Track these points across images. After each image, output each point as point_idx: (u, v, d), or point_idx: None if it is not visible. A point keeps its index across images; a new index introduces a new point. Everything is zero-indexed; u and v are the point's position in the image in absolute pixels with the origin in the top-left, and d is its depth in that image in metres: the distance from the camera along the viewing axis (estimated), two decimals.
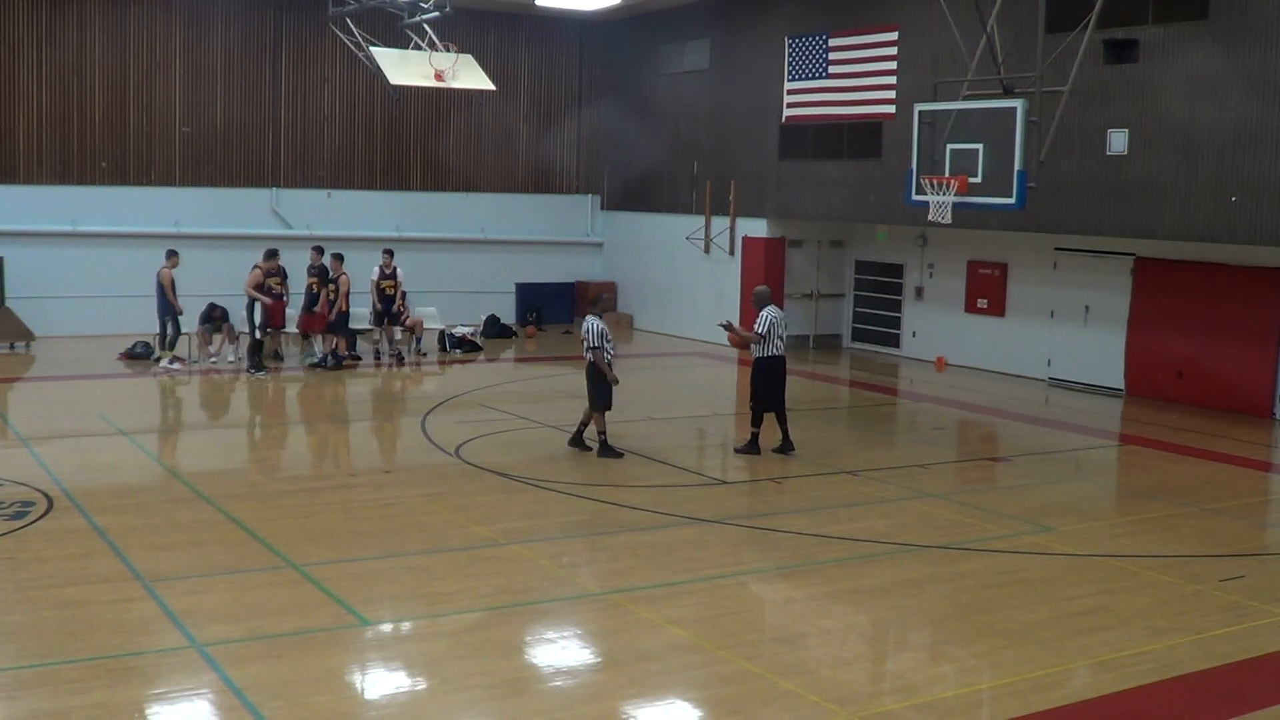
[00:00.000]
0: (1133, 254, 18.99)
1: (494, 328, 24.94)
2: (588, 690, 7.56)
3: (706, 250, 24.99)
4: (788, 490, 12.82)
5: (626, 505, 11.82)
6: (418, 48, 20.54)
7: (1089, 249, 19.47)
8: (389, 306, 21.28)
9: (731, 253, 24.43)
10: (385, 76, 19.76)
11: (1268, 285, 17.33)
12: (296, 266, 20.86)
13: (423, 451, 14.39)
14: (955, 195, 15.04)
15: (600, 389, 13.81)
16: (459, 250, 26.35)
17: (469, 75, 20.25)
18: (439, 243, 25.92)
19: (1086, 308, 19.84)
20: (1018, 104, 14.39)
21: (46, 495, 11.56)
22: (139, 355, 20.43)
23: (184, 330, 19.95)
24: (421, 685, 7.55)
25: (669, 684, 7.63)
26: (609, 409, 13.91)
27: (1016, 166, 14.35)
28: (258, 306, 19.38)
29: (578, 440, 14.18)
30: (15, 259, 22.19)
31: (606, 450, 13.87)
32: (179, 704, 7.14)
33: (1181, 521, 11.86)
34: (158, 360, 19.85)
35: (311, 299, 20.41)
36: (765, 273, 23.03)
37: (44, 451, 13.55)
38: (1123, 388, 19.31)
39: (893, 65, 20.70)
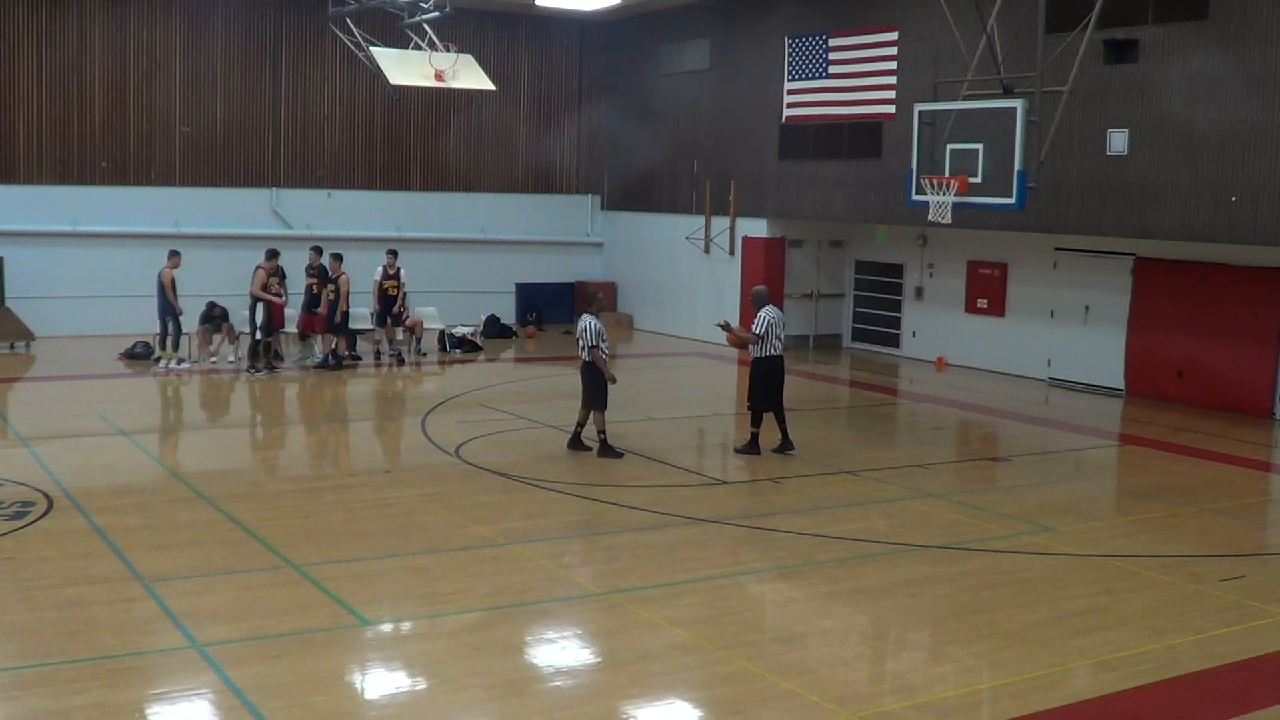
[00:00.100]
0: (1133, 254, 18.99)
1: (494, 328, 24.94)
2: (588, 690, 7.56)
3: (706, 250, 24.99)
4: (788, 490, 12.82)
5: (626, 505, 11.82)
6: (418, 48, 20.55)
7: (1089, 249, 19.46)
8: (390, 307, 21.27)
9: (731, 253, 24.43)
10: (385, 76, 19.77)
11: (1268, 285, 17.33)
12: (297, 267, 20.86)
13: (423, 451, 14.39)
14: (955, 195, 15.04)
15: (597, 388, 13.82)
16: (459, 250, 26.35)
17: (469, 75, 20.26)
18: (439, 243, 25.91)
19: (1086, 308, 19.84)
20: (1018, 104, 14.39)
21: (46, 495, 11.56)
22: (139, 355, 20.43)
23: (184, 330, 19.94)
24: (421, 685, 7.55)
25: (669, 684, 7.63)
26: (604, 409, 13.92)
27: (1016, 166, 14.35)
28: (260, 307, 19.38)
29: (576, 442, 14.17)
30: (15, 259, 22.19)
31: (606, 450, 13.86)
32: (179, 704, 7.14)
33: (1181, 521, 11.86)
34: (158, 360, 19.85)
35: (311, 299, 20.40)
36: (765, 273, 23.03)
37: (44, 451, 13.55)
38: (1123, 388, 19.31)
39: (893, 65, 20.70)
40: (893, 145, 20.29)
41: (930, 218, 15.58)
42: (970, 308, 21.93)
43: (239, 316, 20.88)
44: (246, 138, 24.42)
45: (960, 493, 12.89)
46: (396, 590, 9.29)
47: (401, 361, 21.20)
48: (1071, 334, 20.13)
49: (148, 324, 20.65)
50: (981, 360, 21.67)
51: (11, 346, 21.19)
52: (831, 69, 21.91)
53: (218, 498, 11.69)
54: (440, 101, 25.68)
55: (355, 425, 16.76)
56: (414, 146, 26.10)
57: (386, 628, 8.53)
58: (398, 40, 21.23)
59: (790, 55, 22.72)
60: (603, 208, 28.29)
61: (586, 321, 13.85)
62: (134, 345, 20.72)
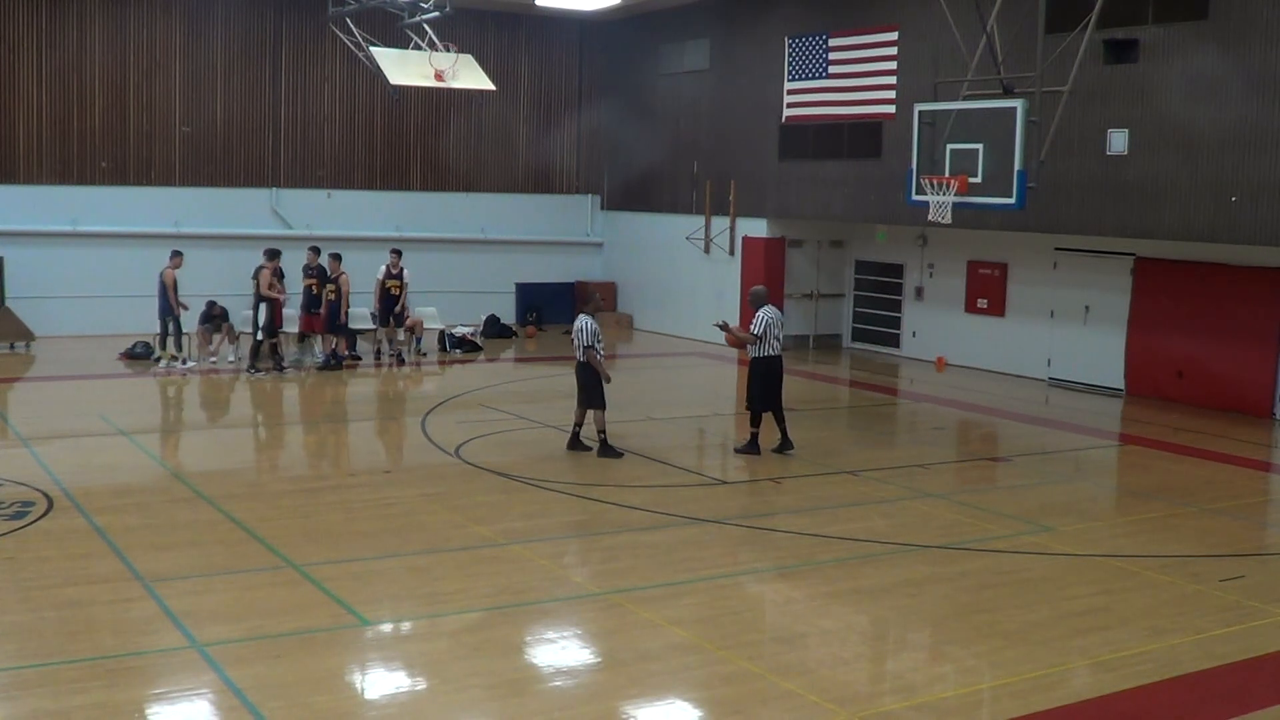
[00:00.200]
0: (1133, 254, 18.99)
1: (494, 328, 24.95)
2: (588, 690, 7.56)
3: (706, 250, 24.99)
4: (787, 490, 12.82)
5: (626, 505, 11.82)
6: (418, 48, 20.55)
7: (1089, 249, 19.46)
8: (392, 306, 21.25)
9: (731, 253, 24.43)
10: (385, 76, 19.77)
11: (1268, 285, 17.33)
12: (297, 267, 20.85)
13: (423, 451, 14.39)
14: (955, 195, 15.03)
15: (593, 388, 13.82)
16: (459, 250, 26.35)
17: (469, 75, 20.25)
18: (439, 243, 25.91)
19: (1086, 308, 19.84)
20: (1018, 104, 14.39)
21: (46, 495, 11.56)
22: (139, 355, 20.43)
23: (184, 330, 19.94)
24: (421, 685, 7.55)
25: (669, 684, 7.63)
26: (603, 408, 13.92)
27: (1016, 166, 14.34)
28: (263, 307, 19.37)
29: (576, 442, 14.17)
30: (15, 259, 22.19)
31: (606, 449, 13.86)
32: (179, 704, 7.14)
33: (1181, 521, 11.86)
34: (158, 360, 19.85)
35: (310, 300, 20.39)
36: (765, 273, 23.04)
37: (44, 451, 13.55)
38: (1123, 388, 19.31)
39: (893, 65, 20.70)
40: (893, 145, 20.29)
41: (930, 218, 15.57)
42: (970, 308, 21.93)
43: (239, 316, 20.89)
44: (246, 138, 24.42)
45: (960, 493, 12.89)
46: (396, 590, 9.29)
47: (401, 361, 21.20)
48: (1071, 334, 20.13)
49: (148, 324, 20.65)
50: (981, 360, 21.67)
51: (11, 346, 21.19)
52: (831, 69, 21.91)
53: (218, 498, 11.69)
54: (440, 101, 25.68)
55: (355, 425, 16.76)
56: (414, 146, 26.10)
57: (386, 628, 8.53)
58: (398, 40, 21.23)
59: (790, 55, 22.72)
60: (603, 208, 28.29)
61: (582, 321, 13.85)
62: (134, 345, 20.72)
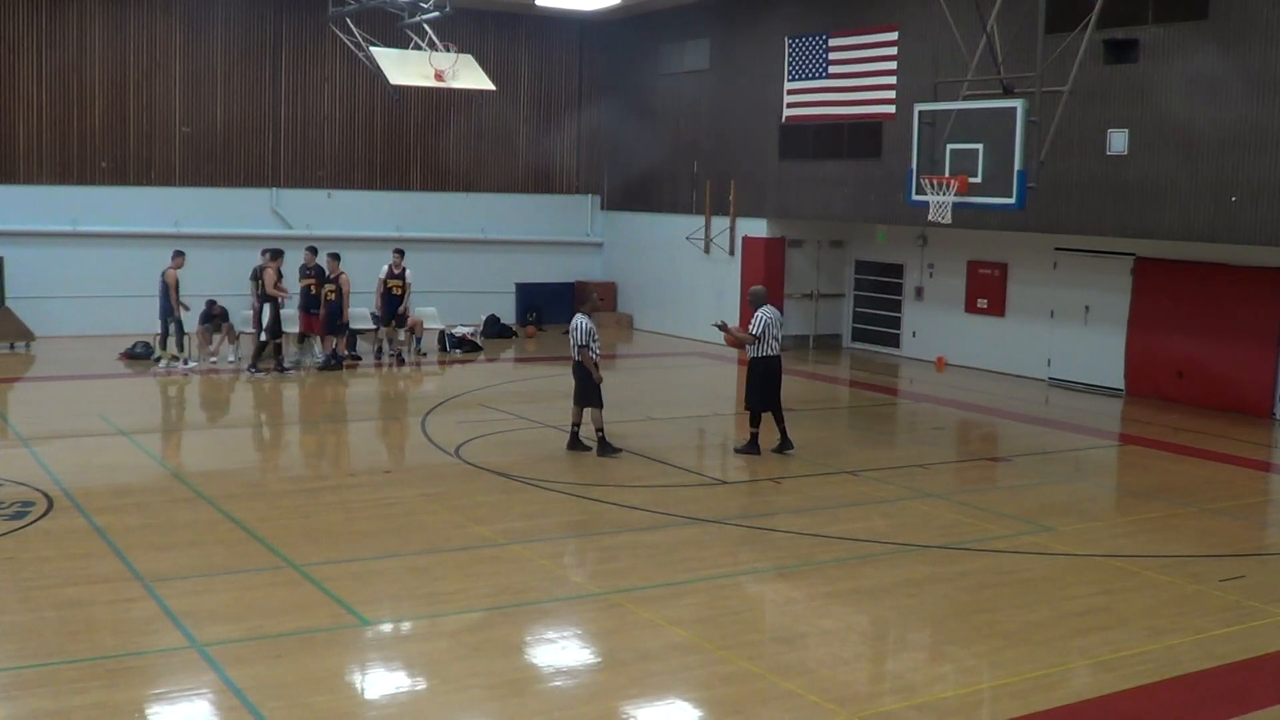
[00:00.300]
0: (1133, 254, 18.99)
1: (494, 328, 24.95)
2: (588, 690, 7.56)
3: (706, 250, 24.99)
4: (787, 490, 12.82)
5: (626, 505, 11.82)
6: (418, 48, 20.55)
7: (1089, 249, 19.46)
8: (394, 306, 21.23)
9: (731, 253, 24.43)
10: (385, 76, 19.77)
11: (1268, 285, 17.33)
12: (294, 267, 20.84)
13: (423, 451, 14.39)
14: (955, 195, 15.03)
15: (589, 387, 13.83)
16: (459, 250, 26.35)
17: (469, 75, 20.25)
18: (439, 243, 25.90)
19: (1086, 308, 19.84)
20: (1018, 104, 14.39)
21: (46, 495, 11.56)
22: (139, 355, 20.43)
23: (185, 330, 19.94)
24: (421, 685, 7.55)
25: (669, 684, 7.63)
26: (601, 407, 13.92)
27: (1016, 166, 14.34)
28: (267, 308, 19.36)
29: (575, 442, 14.18)
30: (15, 259, 22.19)
31: (605, 448, 13.87)
32: (179, 704, 7.14)
33: (1181, 521, 11.86)
34: (158, 360, 19.84)
35: (309, 300, 20.38)
36: (765, 273, 23.04)
37: (44, 451, 13.55)
38: (1123, 388, 19.31)
39: (893, 65, 20.70)
40: (893, 145, 20.29)
41: (930, 218, 15.57)
42: (970, 308, 21.93)
43: (239, 316, 20.88)
44: (246, 138, 24.42)
45: (960, 493, 12.89)
46: (396, 590, 9.29)
47: (401, 361, 21.20)
48: (1071, 334, 20.13)
49: (148, 324, 20.65)
50: (981, 360, 21.67)
51: (11, 346, 21.19)
52: (831, 69, 21.91)
53: (218, 498, 11.69)
54: (440, 101, 25.68)
55: (355, 425, 16.76)
56: (414, 146, 26.10)
57: (386, 628, 8.53)
58: (398, 40, 21.23)
59: (790, 55, 22.72)
60: (603, 208, 28.29)
61: (578, 321, 13.86)
62: (134, 345, 20.72)
